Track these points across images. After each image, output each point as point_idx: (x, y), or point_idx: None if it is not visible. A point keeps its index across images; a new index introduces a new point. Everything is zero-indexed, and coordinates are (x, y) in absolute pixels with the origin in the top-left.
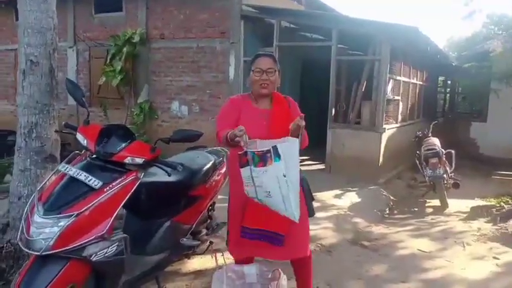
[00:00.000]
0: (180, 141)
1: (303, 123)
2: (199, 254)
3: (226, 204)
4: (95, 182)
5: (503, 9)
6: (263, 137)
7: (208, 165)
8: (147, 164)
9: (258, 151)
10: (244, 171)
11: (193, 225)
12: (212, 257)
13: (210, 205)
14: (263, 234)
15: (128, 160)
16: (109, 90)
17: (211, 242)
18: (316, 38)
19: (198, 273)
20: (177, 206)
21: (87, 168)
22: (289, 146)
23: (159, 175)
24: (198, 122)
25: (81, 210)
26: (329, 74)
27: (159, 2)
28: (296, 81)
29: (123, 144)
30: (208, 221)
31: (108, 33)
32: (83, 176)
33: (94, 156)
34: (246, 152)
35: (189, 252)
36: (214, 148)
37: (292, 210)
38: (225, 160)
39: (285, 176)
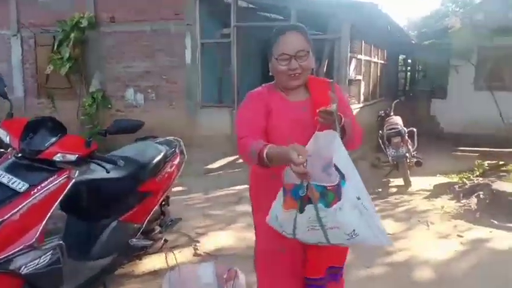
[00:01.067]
0: (118, 133)
1: (334, 107)
2: (153, 254)
3: (182, 197)
4: (19, 184)
5: None
6: (308, 140)
7: (158, 158)
8: (82, 161)
9: (331, 185)
10: (305, 214)
11: (144, 224)
12: (166, 256)
13: (163, 200)
14: (331, 273)
15: (57, 157)
16: (58, 79)
17: (165, 240)
18: (275, 18)
19: (153, 274)
20: (123, 204)
21: (11, 169)
22: (337, 147)
23: (100, 171)
24: (155, 110)
25: (5, 218)
26: None
27: None
28: (256, 63)
29: (53, 139)
30: (162, 217)
31: (54, 18)
32: (5, 178)
33: (19, 154)
34: (307, 185)
35: (141, 252)
36: (166, 138)
37: (383, 233)
38: (177, 150)
39: (359, 199)
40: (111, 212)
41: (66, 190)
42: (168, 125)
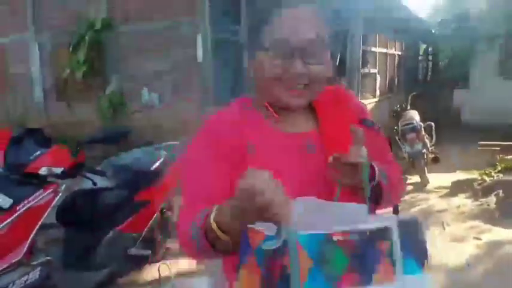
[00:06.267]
0: (102, 142)
1: (363, 154)
2: (155, 263)
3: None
4: (3, 201)
5: None
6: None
7: (156, 164)
8: (69, 174)
9: (342, 232)
10: None
11: (143, 233)
12: (168, 265)
13: (166, 207)
14: None
15: (43, 171)
16: (75, 82)
17: (167, 248)
18: None
19: (152, 284)
20: (119, 214)
21: None
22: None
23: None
24: (171, 110)
25: None
26: None
27: None
28: None
29: (38, 152)
30: (164, 225)
31: (69, 20)
32: None
33: (4, 168)
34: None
35: (141, 262)
36: (166, 143)
37: None
38: (179, 155)
39: None
40: (107, 223)
41: (52, 204)
42: (184, 125)
